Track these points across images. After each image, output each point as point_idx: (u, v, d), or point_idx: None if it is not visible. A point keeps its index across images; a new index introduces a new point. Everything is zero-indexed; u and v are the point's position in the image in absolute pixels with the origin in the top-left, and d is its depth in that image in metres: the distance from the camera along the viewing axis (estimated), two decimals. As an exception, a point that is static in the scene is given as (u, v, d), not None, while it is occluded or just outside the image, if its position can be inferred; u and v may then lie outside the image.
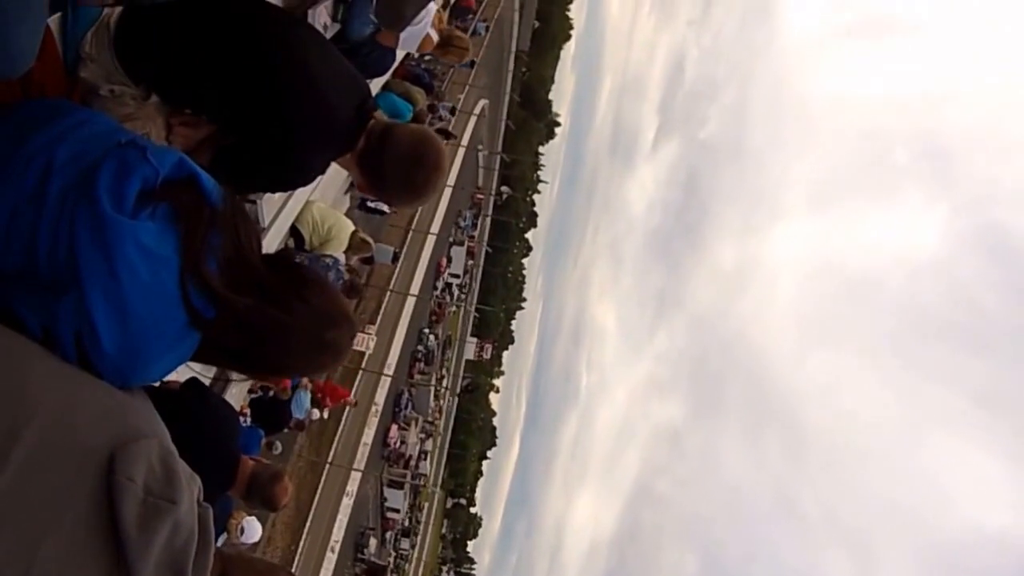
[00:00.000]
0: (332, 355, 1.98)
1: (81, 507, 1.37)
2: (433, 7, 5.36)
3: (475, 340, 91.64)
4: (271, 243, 6.08)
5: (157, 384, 2.08)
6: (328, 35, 5.93)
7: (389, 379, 42.08)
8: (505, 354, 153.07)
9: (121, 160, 1.69)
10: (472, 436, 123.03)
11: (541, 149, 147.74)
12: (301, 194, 6.72)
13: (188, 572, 1.46)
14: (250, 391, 11.22)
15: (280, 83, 2.44)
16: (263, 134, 2.50)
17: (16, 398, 1.38)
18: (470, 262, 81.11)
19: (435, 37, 6.52)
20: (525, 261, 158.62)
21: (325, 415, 18.57)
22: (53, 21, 2.31)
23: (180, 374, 2.64)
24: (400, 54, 7.20)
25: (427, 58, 7.23)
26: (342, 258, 7.37)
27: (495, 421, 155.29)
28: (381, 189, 2.82)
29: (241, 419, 8.81)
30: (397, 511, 59.92)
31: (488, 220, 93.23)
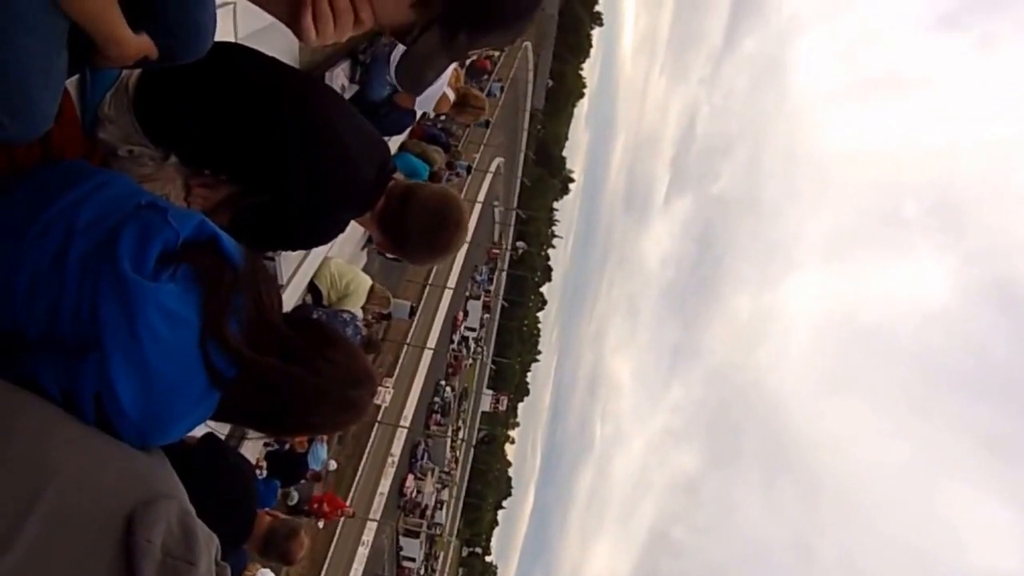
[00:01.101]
0: (354, 414, 1.96)
1: (101, 568, 1.38)
2: (450, 67, 5.44)
3: (491, 392, 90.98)
4: (290, 299, 6.11)
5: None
6: (346, 96, 5.99)
7: (406, 430, 41.74)
8: (520, 406, 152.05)
9: (142, 223, 1.70)
10: (488, 486, 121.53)
11: (556, 205, 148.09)
12: (319, 250, 6.70)
13: None
14: (266, 444, 11.17)
15: (303, 143, 2.44)
16: (285, 194, 2.51)
17: (38, 461, 1.39)
18: (486, 316, 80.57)
19: (451, 97, 6.59)
20: (540, 315, 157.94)
21: (320, 525, 18.57)
22: (71, 83, 2.29)
23: (196, 429, 2.70)
24: (417, 114, 7.27)
25: (443, 118, 7.27)
26: (360, 313, 7.38)
27: (511, 471, 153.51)
28: (403, 249, 2.83)
29: (258, 471, 8.78)
30: (413, 560, 58.58)
31: (504, 275, 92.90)
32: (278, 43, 1.76)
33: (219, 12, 2.04)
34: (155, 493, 1.50)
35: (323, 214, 2.61)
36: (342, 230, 2.79)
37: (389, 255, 2.81)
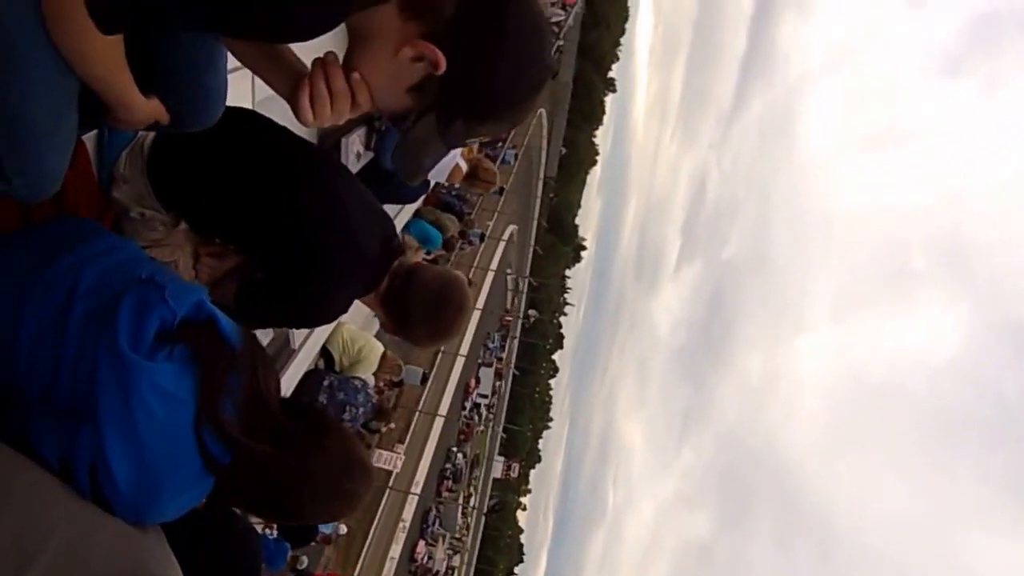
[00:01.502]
0: (348, 504, 1.95)
1: None
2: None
3: (503, 459, 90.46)
4: (301, 365, 6.08)
5: None
6: (361, 163, 6.02)
7: (417, 496, 41.56)
8: (532, 472, 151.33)
9: (140, 298, 1.70)
10: (499, 553, 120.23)
11: (568, 272, 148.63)
12: None
13: None
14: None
15: (309, 219, 2.45)
16: (288, 270, 2.50)
17: (30, 532, 1.37)
18: (498, 383, 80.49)
19: (464, 167, 6.61)
20: (552, 381, 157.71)
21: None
22: (89, 139, 2.36)
23: None
24: (430, 183, 7.30)
25: (456, 186, 7.32)
26: (372, 380, 7.35)
27: (522, 538, 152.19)
28: (406, 330, 2.82)
29: (268, 532, 8.69)
30: (421, 628, 58.57)
31: (516, 342, 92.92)
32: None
33: (236, 75, 2.05)
34: (146, 573, 1.50)
35: (326, 292, 2.59)
36: (345, 310, 2.76)
37: (393, 335, 2.80)
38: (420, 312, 2.73)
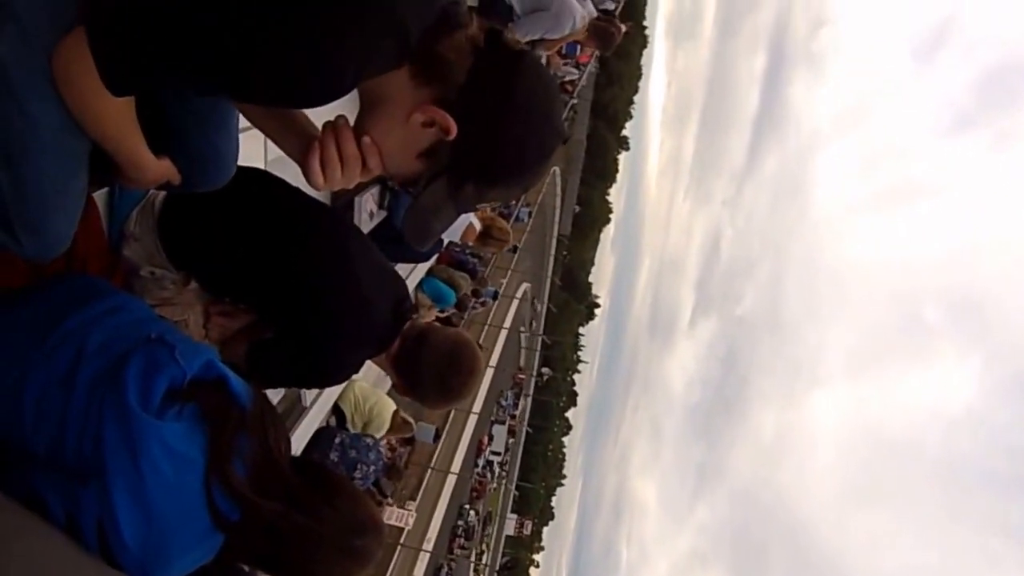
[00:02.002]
0: (359, 562, 1.94)
1: None
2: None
3: (515, 516, 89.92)
4: (313, 422, 6.06)
5: None
6: (374, 222, 6.02)
7: (428, 554, 41.29)
8: (545, 530, 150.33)
9: (149, 357, 1.71)
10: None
11: (581, 330, 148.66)
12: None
13: None
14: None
15: (319, 283, 2.45)
16: (299, 331, 2.50)
17: None
18: (511, 440, 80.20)
19: (478, 226, 6.62)
20: (565, 439, 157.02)
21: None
22: (99, 196, 2.35)
23: None
24: (444, 241, 7.31)
25: (469, 244, 7.35)
26: (383, 440, 7.32)
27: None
28: (417, 392, 2.81)
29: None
30: None
31: (529, 400, 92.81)
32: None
33: (248, 135, 2.05)
34: None
35: (337, 353, 2.59)
36: (356, 371, 2.77)
37: (404, 396, 2.81)
38: (431, 376, 2.72)
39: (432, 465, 38.35)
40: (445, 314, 9.69)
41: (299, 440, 5.78)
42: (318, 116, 1.75)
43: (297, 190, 2.53)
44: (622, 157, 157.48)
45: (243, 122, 1.99)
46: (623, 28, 7.24)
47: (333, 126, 1.67)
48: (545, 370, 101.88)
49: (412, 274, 8.05)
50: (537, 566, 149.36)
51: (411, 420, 8.00)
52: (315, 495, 1.83)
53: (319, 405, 6.16)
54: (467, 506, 62.52)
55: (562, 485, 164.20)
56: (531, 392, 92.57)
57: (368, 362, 2.75)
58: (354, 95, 1.60)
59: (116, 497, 1.56)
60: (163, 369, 1.69)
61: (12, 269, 1.88)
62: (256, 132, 1.99)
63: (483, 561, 73.98)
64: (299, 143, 1.81)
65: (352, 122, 1.67)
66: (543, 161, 1.68)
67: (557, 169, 75.35)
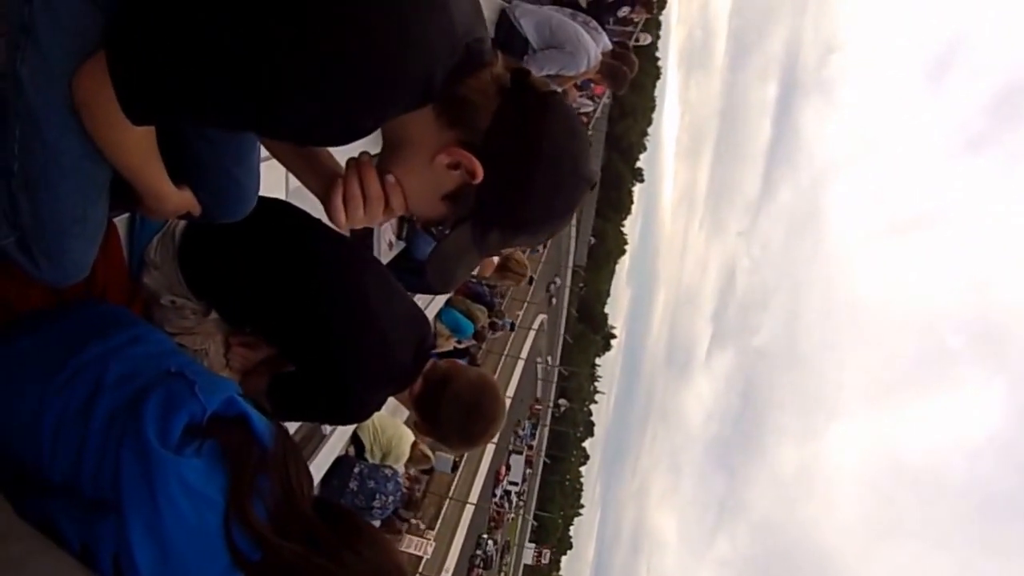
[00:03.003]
0: None
1: None
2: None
3: (533, 545, 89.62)
4: (332, 450, 6.06)
5: None
6: (393, 253, 6.03)
7: (447, 584, 41.22)
8: (563, 559, 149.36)
9: (169, 392, 1.69)
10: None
11: (598, 361, 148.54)
12: None
13: None
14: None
15: (338, 320, 2.43)
16: (320, 369, 2.48)
17: None
18: (528, 470, 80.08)
19: (495, 259, 6.62)
20: (583, 469, 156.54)
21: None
22: (121, 222, 2.35)
23: None
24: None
25: (486, 280, 7.35)
26: (402, 469, 7.31)
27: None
28: (438, 434, 2.80)
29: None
30: None
31: (546, 430, 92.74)
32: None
33: (270, 164, 2.05)
34: None
35: (359, 392, 2.56)
36: (379, 408, 2.75)
37: (425, 436, 2.79)
38: (453, 420, 2.70)
39: (450, 495, 38.29)
40: (463, 345, 9.69)
41: (318, 469, 5.77)
42: (341, 152, 1.74)
43: (318, 222, 2.52)
44: (637, 189, 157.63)
45: (265, 151, 1.98)
46: (635, 62, 7.27)
47: (357, 163, 1.64)
48: (562, 401, 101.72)
49: (431, 305, 8.06)
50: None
51: (429, 453, 8.00)
52: (337, 538, 1.80)
53: (338, 434, 6.16)
54: (485, 536, 62.36)
55: (580, 515, 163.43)
56: (548, 422, 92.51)
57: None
58: (376, 132, 1.59)
59: (133, 532, 1.54)
60: (183, 405, 1.67)
61: (31, 290, 1.88)
62: (277, 163, 1.99)
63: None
64: (322, 180, 1.81)
65: (376, 159, 1.66)
66: (571, 209, 1.65)
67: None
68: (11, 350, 1.73)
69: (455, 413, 2.68)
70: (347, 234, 2.98)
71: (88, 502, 1.59)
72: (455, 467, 22.12)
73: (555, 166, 1.57)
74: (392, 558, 1.91)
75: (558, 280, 71.33)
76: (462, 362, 2.83)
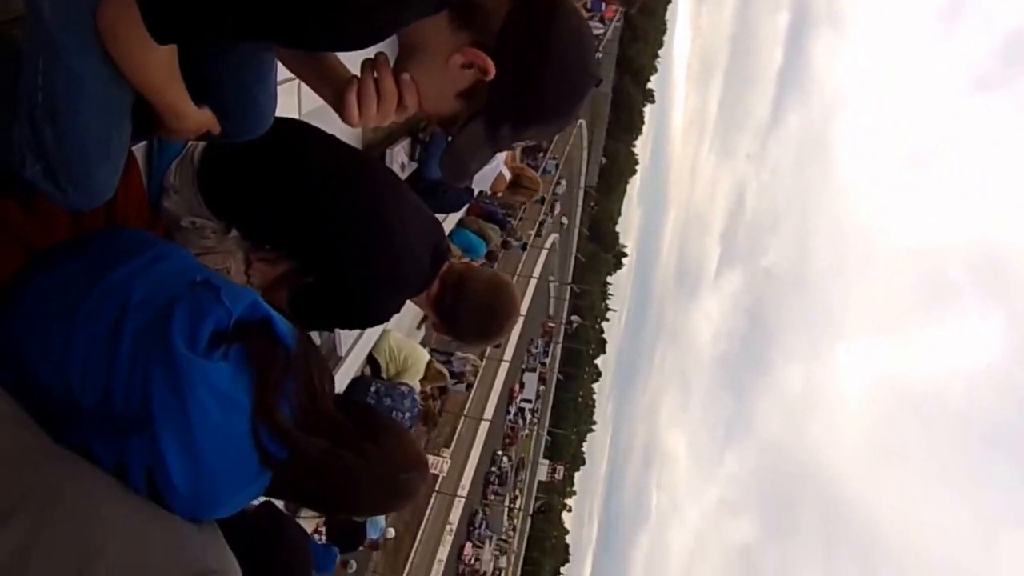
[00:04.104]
0: (404, 498, 1.98)
1: None
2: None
3: (547, 462, 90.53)
4: (348, 370, 6.12)
5: None
6: (405, 174, 6.05)
7: (463, 500, 41.69)
8: (577, 475, 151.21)
9: (195, 301, 1.71)
10: (545, 554, 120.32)
11: (609, 279, 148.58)
12: None
13: None
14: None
15: (357, 226, 2.49)
16: (339, 275, 2.55)
17: (85, 535, 1.40)
18: (542, 387, 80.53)
19: (507, 176, 6.63)
20: (595, 386, 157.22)
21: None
22: (139, 150, 2.37)
23: None
24: (474, 191, 7.32)
25: (499, 195, 7.33)
26: (418, 387, 7.38)
27: (568, 539, 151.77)
28: (455, 333, 2.90)
29: (316, 537, 8.69)
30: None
31: (559, 347, 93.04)
32: (340, 121, 1.78)
33: (284, 87, 2.07)
34: (205, 569, 1.52)
35: (376, 295, 2.64)
36: (398, 310, 2.81)
37: (443, 335, 2.87)
38: (471, 318, 2.79)
39: (465, 413, 38.57)
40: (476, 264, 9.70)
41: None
42: (355, 58, 1.77)
43: (333, 138, 2.56)
44: (647, 110, 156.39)
45: (280, 73, 2.01)
46: None
47: (373, 63, 1.69)
48: (575, 318, 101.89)
49: (443, 225, 8.08)
50: (569, 511, 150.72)
51: (444, 370, 8.07)
52: (360, 433, 1.85)
53: (354, 355, 6.22)
54: (500, 453, 63.04)
55: (592, 431, 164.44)
56: (561, 340, 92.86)
57: (401, 316, 2.79)
58: (392, 39, 1.63)
59: (164, 441, 1.57)
60: (209, 312, 1.70)
61: (52, 226, 1.90)
62: (290, 86, 2.02)
63: (517, 505, 74.52)
64: (333, 87, 1.84)
65: (392, 63, 1.70)
66: (577, 103, 1.71)
67: (583, 121, 74.94)
68: (36, 286, 1.75)
69: (472, 311, 2.77)
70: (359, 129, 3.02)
71: (119, 422, 1.61)
72: (469, 386, 22.27)
73: (562, 63, 1.63)
74: (414, 449, 1.97)
75: (565, 220, 71.04)
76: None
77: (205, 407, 1.61)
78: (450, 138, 1.75)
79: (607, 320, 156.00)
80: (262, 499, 3.19)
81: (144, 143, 2.41)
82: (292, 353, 1.78)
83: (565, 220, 70.96)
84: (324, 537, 11.09)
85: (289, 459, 1.72)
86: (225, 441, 1.64)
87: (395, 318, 2.85)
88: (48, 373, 1.64)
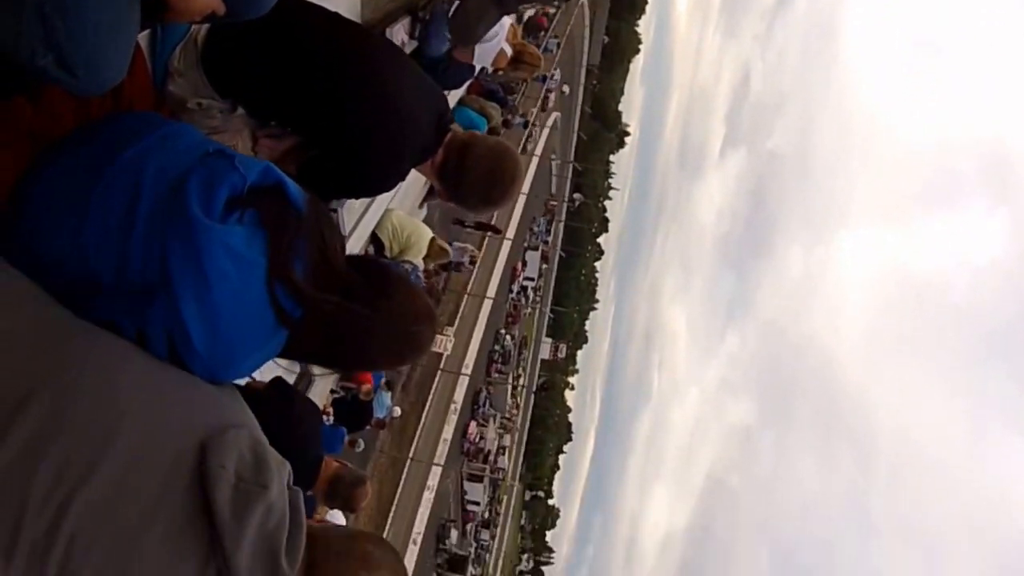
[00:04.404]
0: (415, 349, 2.03)
1: (177, 498, 1.45)
2: (508, 22, 5.45)
3: (550, 340, 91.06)
4: (352, 249, 6.10)
5: (243, 383, 2.17)
6: (407, 52, 6.05)
7: (467, 378, 42.09)
8: (579, 353, 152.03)
9: (210, 169, 1.74)
10: (548, 431, 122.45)
11: (612, 158, 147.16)
12: (381, 201, 6.80)
13: (281, 553, 1.52)
14: (332, 391, 11.34)
15: (361, 97, 2.53)
16: (345, 146, 2.59)
17: (110, 398, 1.47)
18: (544, 266, 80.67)
19: (509, 52, 6.63)
20: (598, 264, 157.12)
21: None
22: (142, 37, 2.36)
23: (265, 372, 2.67)
24: (475, 69, 7.32)
25: (499, 73, 7.26)
26: (421, 264, 7.46)
27: (570, 417, 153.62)
28: (460, 200, 2.92)
29: (324, 418, 8.84)
30: (477, 504, 60.54)
31: (561, 226, 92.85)
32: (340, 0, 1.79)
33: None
34: (226, 423, 1.58)
35: (377, 165, 2.68)
36: (403, 178, 2.86)
37: (447, 203, 2.91)
38: (474, 184, 2.83)
39: (468, 291, 38.71)
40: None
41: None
42: None
43: (335, 15, 2.60)
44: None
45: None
46: None
47: None
48: (577, 195, 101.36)
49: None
50: (572, 388, 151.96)
51: (447, 246, 8.14)
52: (371, 288, 1.89)
53: (358, 233, 6.29)
54: (503, 331, 63.38)
55: (595, 309, 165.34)
56: (563, 218, 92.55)
57: (404, 191, 2.83)
58: None
59: (184, 304, 1.62)
60: (224, 178, 1.73)
61: (60, 118, 1.89)
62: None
63: (520, 383, 75.25)
64: None
65: None
66: None
67: (584, 0, 73.56)
68: (48, 175, 1.77)
69: (477, 177, 2.82)
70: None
71: (138, 292, 1.65)
72: (472, 261, 22.35)
73: None
74: (424, 303, 2.00)
75: (566, 88, 70.00)
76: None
77: (223, 268, 1.65)
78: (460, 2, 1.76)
79: (609, 199, 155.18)
80: (274, 375, 3.31)
81: (147, 31, 2.43)
82: (304, 216, 1.82)
83: (567, 88, 70.03)
84: (332, 418, 11.33)
85: (303, 316, 1.77)
86: (242, 301, 1.69)
87: (398, 197, 2.91)
88: (65, 258, 1.68)
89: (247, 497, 1.48)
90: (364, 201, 6.31)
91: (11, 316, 1.53)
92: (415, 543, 32.84)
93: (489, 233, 33.79)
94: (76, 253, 1.68)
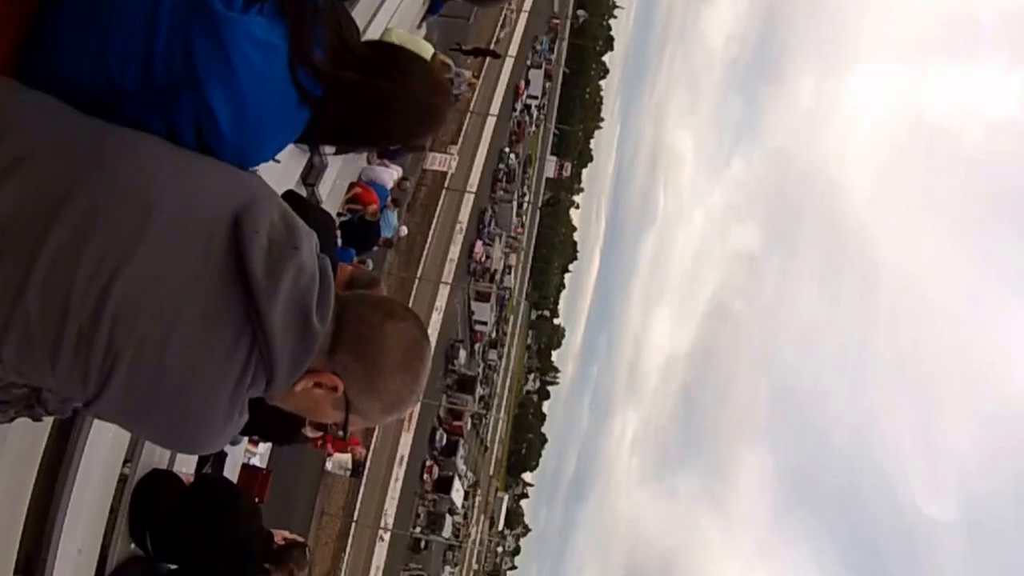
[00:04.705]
0: (433, 121, 2.12)
1: (213, 270, 1.54)
2: None
3: (554, 158, 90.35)
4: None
5: None
6: None
7: (472, 197, 42.28)
8: (584, 172, 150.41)
9: None
10: (554, 250, 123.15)
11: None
12: (381, 18, 6.84)
13: (312, 310, 1.59)
14: (339, 214, 11.54)
15: None
16: None
17: (147, 181, 1.57)
18: (548, 84, 79.36)
19: None
20: (603, 83, 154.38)
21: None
22: None
23: (278, 185, 2.67)
24: None
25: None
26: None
27: (576, 236, 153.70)
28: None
29: (332, 239, 9.02)
30: (485, 324, 61.38)
31: (565, 44, 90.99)
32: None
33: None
34: (257, 195, 1.68)
35: None
36: None
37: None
38: None
39: (471, 109, 38.27)
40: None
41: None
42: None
43: None
44: None
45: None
46: None
47: None
48: (580, 13, 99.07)
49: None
50: (577, 207, 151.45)
51: (450, 61, 8.25)
52: (388, 64, 1.98)
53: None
54: (507, 150, 62.96)
55: (600, 128, 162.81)
56: (567, 36, 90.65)
57: (405, 8, 2.90)
58: None
59: (211, 91, 1.69)
60: None
61: None
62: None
63: (526, 200, 74.89)
64: None
65: None
66: None
67: None
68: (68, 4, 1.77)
69: None
70: None
71: (164, 89, 1.71)
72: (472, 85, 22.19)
73: None
74: (439, 77, 2.11)
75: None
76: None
77: (247, 54, 1.71)
78: None
79: (615, 17, 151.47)
80: (286, 189, 3.45)
81: None
82: (320, 6, 1.88)
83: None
84: (340, 240, 11.56)
85: (325, 94, 1.86)
86: (266, 83, 1.76)
87: (397, 15, 3.01)
88: (89, 69, 1.72)
89: (280, 257, 1.58)
90: (362, 23, 6.41)
91: (47, 124, 1.62)
92: (425, 364, 33.51)
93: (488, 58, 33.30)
94: (101, 59, 1.72)
